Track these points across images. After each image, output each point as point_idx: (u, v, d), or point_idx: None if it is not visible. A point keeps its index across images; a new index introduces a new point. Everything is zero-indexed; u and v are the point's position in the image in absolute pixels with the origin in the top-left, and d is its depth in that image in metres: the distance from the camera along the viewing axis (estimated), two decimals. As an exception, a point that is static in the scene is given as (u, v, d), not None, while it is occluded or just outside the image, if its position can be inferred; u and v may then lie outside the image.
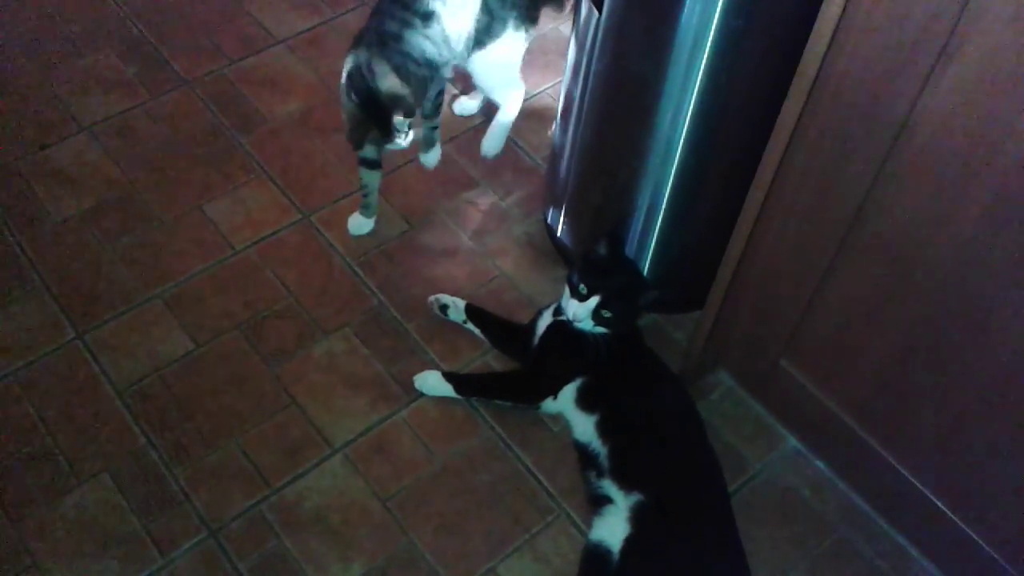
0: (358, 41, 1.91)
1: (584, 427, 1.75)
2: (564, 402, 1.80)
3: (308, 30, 2.55)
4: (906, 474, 1.62)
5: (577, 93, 1.81)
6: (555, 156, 2.04)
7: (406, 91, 1.85)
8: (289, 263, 2.08)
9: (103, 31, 2.51)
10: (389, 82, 1.83)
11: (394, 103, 1.82)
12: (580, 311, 1.74)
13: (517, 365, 1.92)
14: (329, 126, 2.32)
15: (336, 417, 1.85)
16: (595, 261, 1.78)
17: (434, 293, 2.00)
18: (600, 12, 1.63)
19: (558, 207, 2.05)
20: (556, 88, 2.38)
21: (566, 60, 1.88)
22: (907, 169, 1.31)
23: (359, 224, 2.12)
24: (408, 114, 1.84)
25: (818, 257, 1.52)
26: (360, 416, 1.86)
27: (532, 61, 2.36)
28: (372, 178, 2.06)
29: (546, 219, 2.15)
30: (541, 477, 1.80)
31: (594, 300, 1.73)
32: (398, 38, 1.88)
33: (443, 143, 2.25)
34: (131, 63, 2.44)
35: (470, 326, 1.96)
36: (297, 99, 2.39)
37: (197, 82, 2.41)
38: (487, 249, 2.13)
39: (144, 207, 2.16)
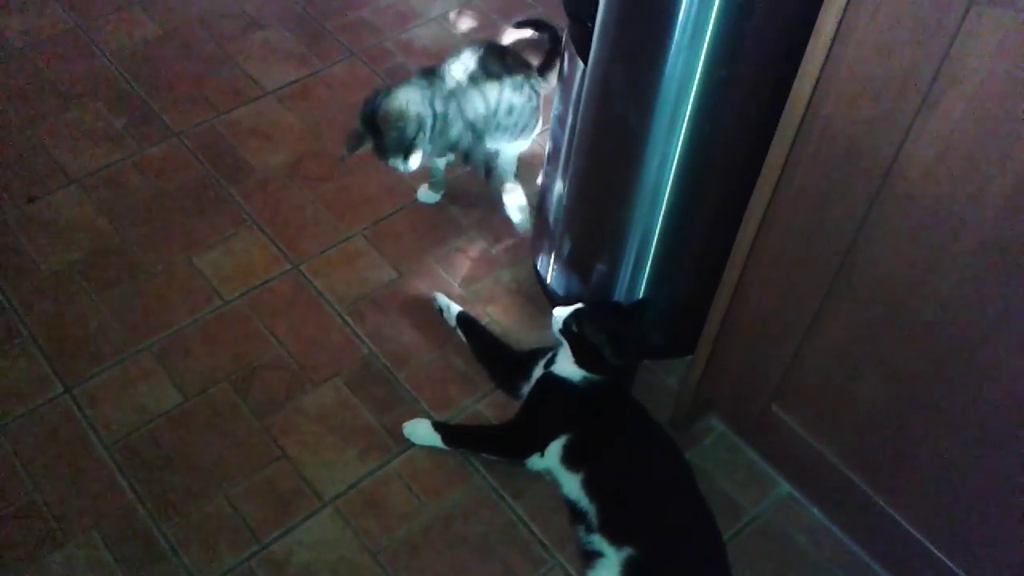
0: None
1: (571, 485, 1.72)
2: (551, 459, 1.77)
3: (296, 81, 2.57)
4: (900, 520, 1.61)
5: (564, 141, 1.82)
6: (543, 203, 2.05)
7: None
8: (278, 314, 2.07)
9: (92, 84, 2.53)
10: None
11: None
12: (558, 312, 1.79)
13: (507, 414, 1.91)
14: (318, 176, 2.33)
15: (326, 469, 1.84)
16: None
17: (425, 339, 2.00)
18: (585, 62, 1.65)
19: (547, 254, 2.06)
20: (544, 136, 2.39)
21: (552, 109, 1.90)
22: (892, 216, 1.32)
23: (427, 194, 2.31)
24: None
25: (806, 302, 1.53)
26: (350, 468, 1.84)
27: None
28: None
29: (535, 266, 2.15)
30: (534, 527, 1.78)
31: (573, 308, 1.78)
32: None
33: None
34: (120, 115, 2.45)
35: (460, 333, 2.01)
36: (286, 150, 2.40)
37: (186, 133, 2.42)
38: (477, 296, 2.13)
39: (133, 259, 2.15)
